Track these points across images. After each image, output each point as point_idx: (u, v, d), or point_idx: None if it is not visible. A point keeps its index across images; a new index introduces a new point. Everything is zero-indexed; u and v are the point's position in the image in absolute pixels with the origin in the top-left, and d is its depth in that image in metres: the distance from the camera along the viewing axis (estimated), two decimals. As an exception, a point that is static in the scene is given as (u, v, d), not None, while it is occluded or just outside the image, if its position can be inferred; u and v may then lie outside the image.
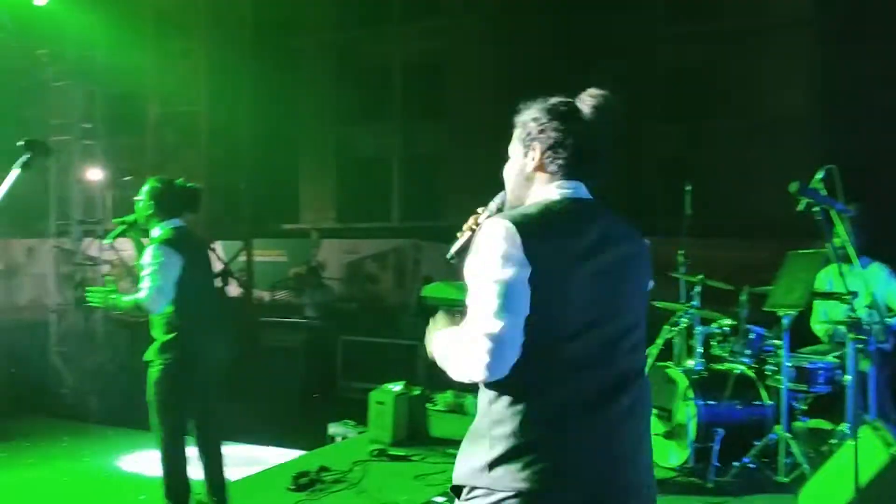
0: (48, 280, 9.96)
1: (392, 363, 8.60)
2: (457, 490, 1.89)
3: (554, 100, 2.01)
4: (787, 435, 4.74)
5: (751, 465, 4.89)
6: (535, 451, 1.78)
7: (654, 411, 5.35)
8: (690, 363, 5.38)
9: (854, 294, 3.82)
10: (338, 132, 20.49)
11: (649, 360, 4.97)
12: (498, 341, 1.73)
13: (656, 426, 5.33)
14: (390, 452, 5.44)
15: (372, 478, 5.16)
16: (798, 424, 4.93)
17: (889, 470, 3.79)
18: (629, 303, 1.96)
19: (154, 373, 4.03)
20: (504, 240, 1.79)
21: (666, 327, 5.37)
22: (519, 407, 1.79)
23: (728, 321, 5.37)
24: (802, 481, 4.41)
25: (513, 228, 1.79)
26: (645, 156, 18.05)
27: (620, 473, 1.85)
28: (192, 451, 4.25)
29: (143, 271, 3.96)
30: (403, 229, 17.73)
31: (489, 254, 1.80)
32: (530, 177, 2.00)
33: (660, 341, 5.36)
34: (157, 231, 4.10)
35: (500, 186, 2.21)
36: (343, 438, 6.20)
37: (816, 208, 3.59)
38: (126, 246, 11.99)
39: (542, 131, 1.98)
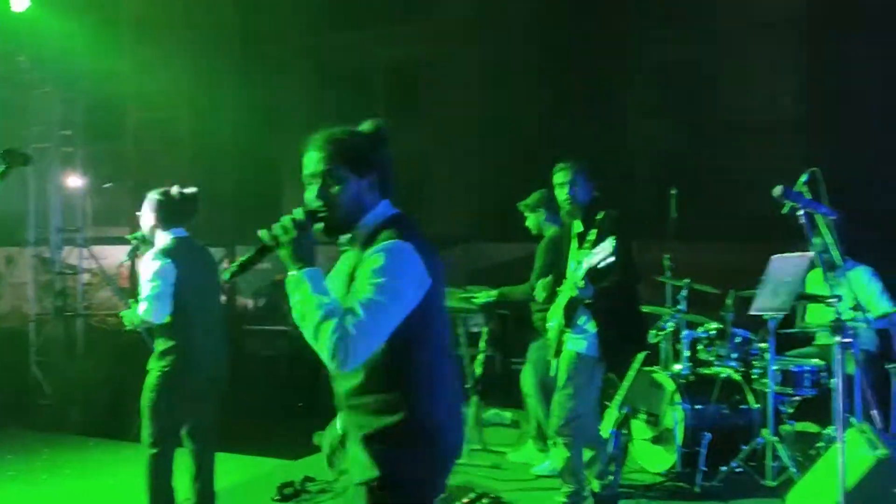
0: (28, 289, 9.83)
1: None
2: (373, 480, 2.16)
3: (363, 127, 2.36)
4: (774, 438, 4.74)
5: (738, 470, 4.88)
6: (440, 425, 2.22)
7: (642, 416, 5.34)
8: (677, 367, 5.37)
9: (838, 297, 3.81)
10: (321, 137, 20.42)
11: (635, 365, 4.95)
12: (360, 350, 2.03)
13: (644, 431, 5.32)
14: (376, 461, 5.39)
15: (358, 487, 5.10)
16: (785, 428, 4.93)
17: (875, 473, 3.80)
18: None
19: (150, 379, 4.11)
20: (412, 261, 2.12)
21: (652, 332, 5.36)
22: (417, 394, 2.18)
23: (714, 325, 5.37)
24: (790, 485, 4.41)
25: (413, 249, 2.13)
26: (632, 159, 18.10)
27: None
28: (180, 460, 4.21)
29: (143, 282, 4.04)
30: (388, 235, 17.64)
31: (400, 273, 2.10)
32: (363, 199, 2.27)
33: (646, 345, 5.34)
34: (160, 241, 4.17)
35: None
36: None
37: (800, 212, 3.58)
38: (106, 254, 11.89)
39: (371, 156, 2.29)
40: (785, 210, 3.68)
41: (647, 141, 18.26)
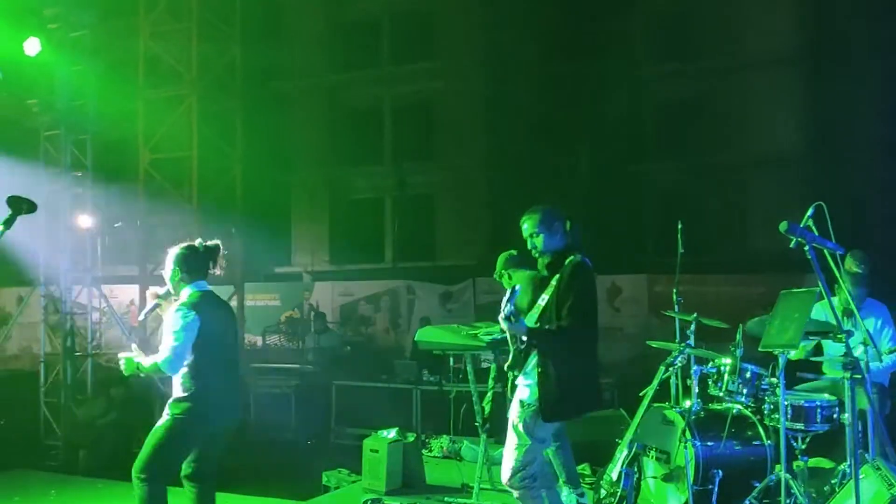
0: (38, 329, 9.85)
1: (388, 408, 8.48)
2: None
3: None
4: (788, 475, 4.66)
5: (752, 507, 4.80)
6: None
7: (653, 454, 5.28)
8: (687, 404, 5.30)
9: (849, 333, 3.77)
10: (330, 174, 20.54)
11: (645, 402, 4.89)
12: None
13: (655, 469, 5.25)
14: (385, 502, 5.33)
15: (366, 528, 5.05)
16: (798, 464, 4.84)
17: (892, 511, 3.73)
18: None
19: (162, 425, 4.14)
20: None
21: (661, 367, 5.30)
22: None
23: (724, 360, 5.30)
24: (804, 523, 4.33)
25: None
26: (639, 195, 18.13)
27: None
28: None
29: (165, 333, 4.12)
30: (397, 270, 17.68)
31: None
32: None
33: (655, 381, 5.28)
34: (185, 294, 4.27)
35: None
36: (337, 488, 6.09)
37: (806, 247, 3.56)
38: (116, 293, 11.86)
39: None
40: (792, 244, 3.67)
41: (655, 177, 18.31)
